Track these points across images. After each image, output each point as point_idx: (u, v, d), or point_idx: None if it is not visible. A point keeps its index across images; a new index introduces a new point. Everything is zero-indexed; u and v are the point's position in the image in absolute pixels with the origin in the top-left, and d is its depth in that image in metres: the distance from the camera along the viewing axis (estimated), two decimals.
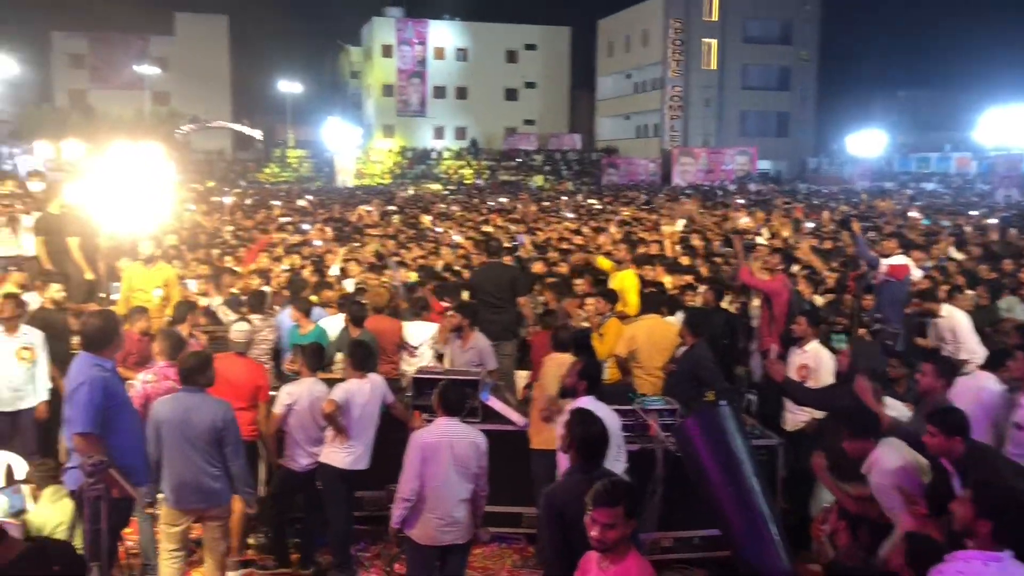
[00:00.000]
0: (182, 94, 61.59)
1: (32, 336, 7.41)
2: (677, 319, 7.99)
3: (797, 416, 7.15)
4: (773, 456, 6.53)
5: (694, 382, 7.01)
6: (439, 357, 8.26)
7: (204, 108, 58.18)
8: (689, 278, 10.00)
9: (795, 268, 10.51)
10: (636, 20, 61.32)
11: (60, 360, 7.30)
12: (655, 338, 7.63)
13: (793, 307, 8.43)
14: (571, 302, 8.95)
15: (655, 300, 8.43)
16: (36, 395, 7.38)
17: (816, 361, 7.26)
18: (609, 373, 8.03)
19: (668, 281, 9.96)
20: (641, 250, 11.54)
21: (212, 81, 63.00)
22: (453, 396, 5.42)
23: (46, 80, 63.70)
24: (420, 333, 8.32)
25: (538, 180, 54.35)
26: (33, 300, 8.44)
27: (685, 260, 11.63)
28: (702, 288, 9.26)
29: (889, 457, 4.72)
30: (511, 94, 67.70)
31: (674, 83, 58.48)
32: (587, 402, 5.32)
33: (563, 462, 4.94)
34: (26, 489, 6.00)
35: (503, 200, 30.36)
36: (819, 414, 6.77)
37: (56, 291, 8.35)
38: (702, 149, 57.18)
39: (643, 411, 6.50)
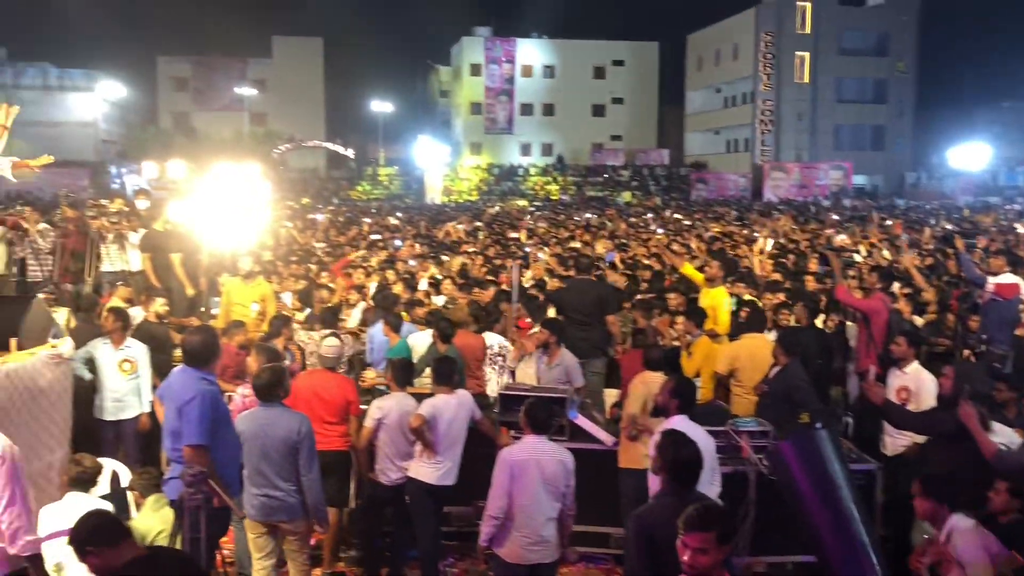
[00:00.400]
0: (279, 115, 63.57)
1: (135, 349, 7.70)
2: (771, 338, 7.82)
3: (897, 440, 6.89)
4: (871, 481, 6.31)
5: (788, 403, 6.82)
6: (511, 374, 8.27)
7: (300, 128, 59.89)
8: (782, 296, 9.77)
9: (894, 287, 10.15)
10: (726, 34, 60.61)
11: (163, 372, 7.57)
12: (757, 357, 7.46)
13: (892, 327, 8.15)
14: (662, 320, 8.85)
15: (757, 318, 8.28)
16: (138, 406, 7.66)
17: (917, 383, 6.99)
18: (701, 393, 7.92)
19: (759, 299, 9.76)
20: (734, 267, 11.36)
21: (307, 102, 64.85)
22: (541, 414, 5.40)
23: (152, 103, 66.69)
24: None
25: (625, 196, 54.08)
26: (138, 314, 8.79)
27: (777, 277, 11.38)
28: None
29: (970, 537, 4.51)
30: (598, 110, 67.65)
31: (765, 97, 57.50)
32: (679, 422, 5.24)
33: (654, 483, 4.86)
34: (129, 496, 6.23)
35: (589, 216, 30.27)
36: (920, 438, 6.51)
37: (159, 305, 8.67)
38: (794, 164, 55.97)
39: (735, 432, 6.37)
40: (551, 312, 8.99)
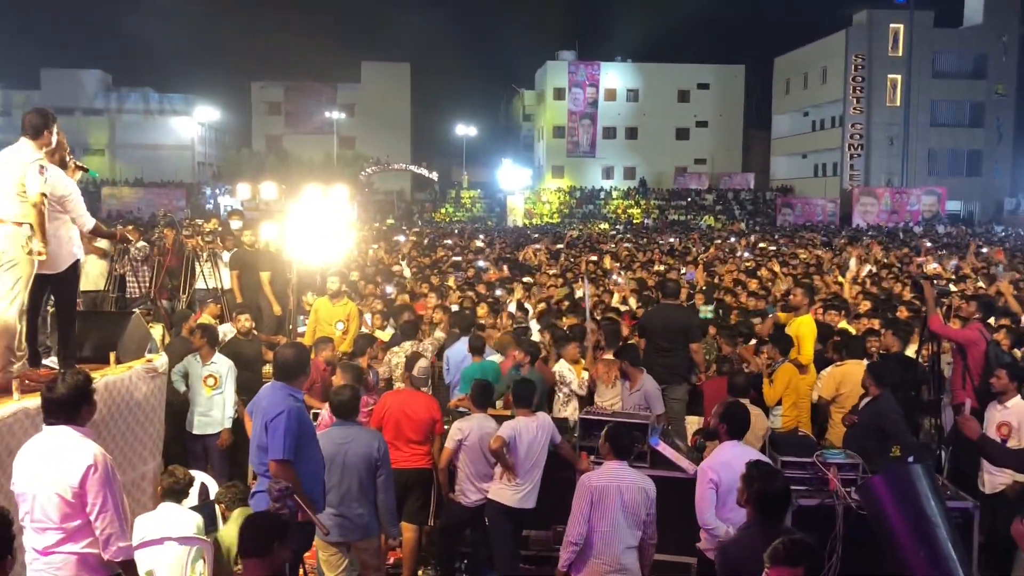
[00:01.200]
0: (366, 138, 65.08)
1: (220, 365, 7.92)
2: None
3: (996, 478, 6.58)
4: (969, 520, 6.03)
5: (878, 436, 6.60)
6: (587, 398, 8.21)
7: (386, 151, 61.13)
8: (872, 323, 9.48)
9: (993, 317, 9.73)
10: (815, 56, 59.50)
11: (250, 389, 7.78)
12: (858, 386, 7.27)
13: (990, 359, 7.80)
14: (746, 347, 8.68)
15: (855, 345, 8.07)
16: (221, 422, 7.87)
17: (1019, 419, 6.68)
18: (782, 421, 7.73)
19: (847, 326, 9.50)
20: (820, 294, 11.08)
21: (394, 125, 66.23)
22: (623, 439, 5.35)
23: (246, 126, 69.10)
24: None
25: (709, 220, 53.42)
26: (229, 331, 9.05)
27: (865, 306, 11.05)
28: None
29: None
30: (682, 133, 67.13)
31: (855, 120, 56.15)
32: (730, 447, 5.17)
33: (737, 514, 4.76)
34: (216, 509, 6.40)
35: (672, 240, 29.98)
36: (1022, 477, 6.21)
37: (244, 321, 8.90)
38: (885, 189, 54.42)
39: (823, 464, 6.17)
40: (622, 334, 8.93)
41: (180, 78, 64.43)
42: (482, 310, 10.88)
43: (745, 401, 6.71)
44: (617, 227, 47.43)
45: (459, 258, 20.52)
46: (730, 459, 5.19)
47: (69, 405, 4.10)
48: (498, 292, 13.57)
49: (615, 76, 66.64)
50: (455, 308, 11.24)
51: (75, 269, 6.07)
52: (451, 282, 14.07)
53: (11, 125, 41.96)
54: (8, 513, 3.36)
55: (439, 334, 9.37)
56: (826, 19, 61.34)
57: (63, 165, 5.94)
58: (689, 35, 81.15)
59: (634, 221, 53.73)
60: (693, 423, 8.11)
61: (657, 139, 65.38)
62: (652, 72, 66.05)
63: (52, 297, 6.22)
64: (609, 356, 8.09)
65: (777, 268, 15.73)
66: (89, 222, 6.10)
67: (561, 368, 8.31)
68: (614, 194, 60.49)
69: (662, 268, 17.41)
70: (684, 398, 8.44)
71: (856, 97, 55.84)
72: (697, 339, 8.71)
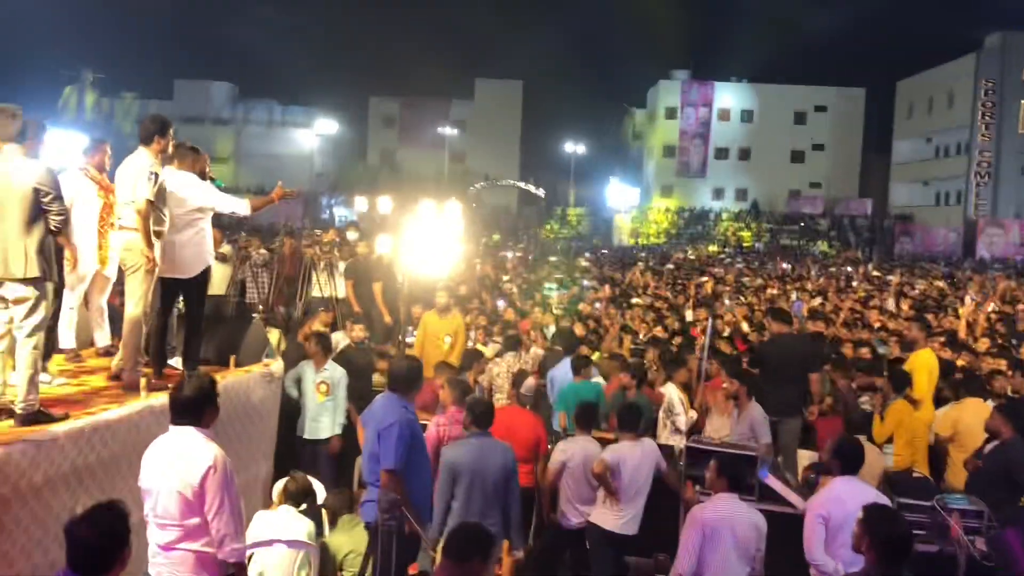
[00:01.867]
0: (476, 153, 65.98)
1: (332, 372, 8.11)
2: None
3: None
4: None
5: (1007, 483, 6.23)
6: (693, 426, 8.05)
7: (495, 167, 61.82)
8: (998, 363, 9.00)
9: None
10: (941, 80, 57.11)
11: (360, 397, 7.96)
12: (979, 424, 6.91)
13: None
14: (860, 380, 8.37)
15: (975, 383, 7.68)
16: (331, 428, 8.04)
17: None
18: (895, 461, 7.39)
19: (968, 363, 9.05)
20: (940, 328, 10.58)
21: (504, 141, 66.88)
22: (734, 472, 5.22)
23: (362, 139, 71.04)
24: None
25: (822, 246, 51.85)
26: (340, 339, 9.28)
27: (984, 343, 10.51)
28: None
29: None
30: (797, 156, 65.40)
31: (983, 147, 53.53)
32: (842, 483, 4.97)
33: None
34: (324, 514, 6.55)
35: (785, 266, 29.22)
36: None
37: (358, 330, 9.11)
38: (1014, 221, 51.65)
39: (943, 509, 5.88)
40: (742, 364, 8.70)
41: (302, 91, 66.82)
42: (579, 329, 10.84)
43: (861, 437, 6.46)
44: (726, 250, 46.53)
45: (562, 276, 20.52)
46: (842, 495, 5.01)
47: (194, 407, 4.26)
48: (597, 305, 13.52)
49: (729, 96, 65.54)
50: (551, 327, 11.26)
51: (205, 275, 6.35)
52: (554, 300, 14.07)
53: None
54: (124, 506, 3.48)
55: (536, 350, 9.38)
56: (954, 42, 58.95)
57: (203, 176, 6.26)
58: (807, 56, 79.21)
59: (744, 244, 52.64)
60: (805, 458, 7.85)
61: (771, 161, 63.90)
62: (768, 93, 64.66)
63: (182, 300, 6.53)
64: (727, 384, 7.89)
65: (891, 301, 15.11)
66: (243, 207, 6.38)
67: (670, 394, 8.18)
68: (724, 216, 59.44)
69: (774, 293, 16.98)
70: (797, 431, 8.16)
71: (985, 124, 53.26)
72: (816, 369, 8.42)
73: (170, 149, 5.99)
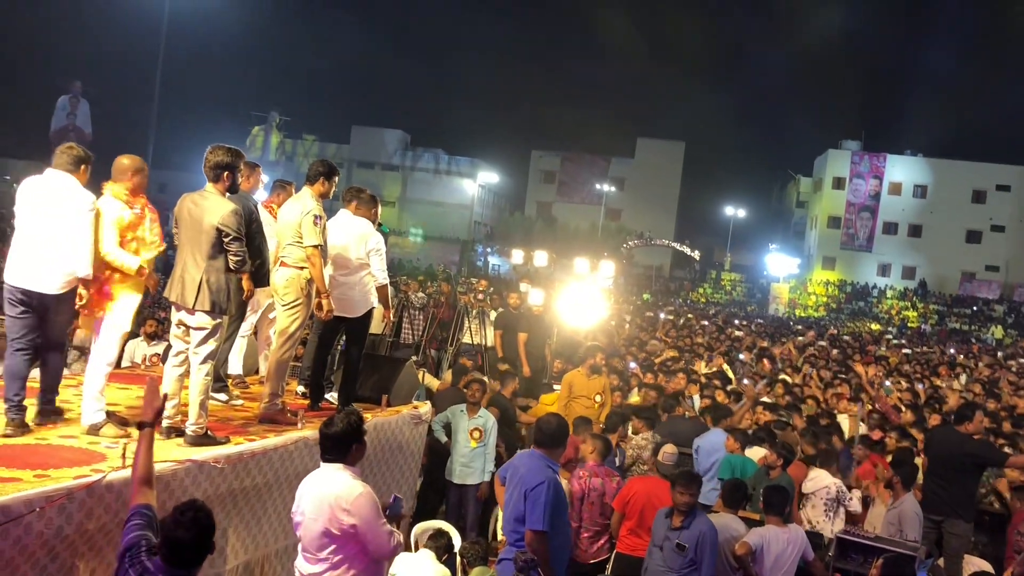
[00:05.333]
0: (632, 211, 66.02)
1: (486, 419, 8.17)
2: None
3: None
4: None
5: None
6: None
7: (650, 225, 61.52)
8: None
9: None
10: None
11: (505, 445, 8.01)
12: None
13: None
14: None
15: None
16: (481, 474, 8.08)
17: None
18: None
19: None
20: None
21: (661, 201, 66.65)
22: (898, 573, 4.87)
23: (521, 191, 72.63)
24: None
25: (997, 332, 48.36)
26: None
27: None
28: None
29: None
30: (973, 236, 61.66)
31: None
32: None
33: None
34: (458, 562, 6.56)
35: (952, 351, 27.43)
36: None
37: (514, 384, 9.17)
38: None
39: None
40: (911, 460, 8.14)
41: (468, 142, 69.35)
42: (720, 396, 10.51)
43: None
44: (890, 329, 44.19)
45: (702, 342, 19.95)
46: None
47: (341, 444, 4.37)
48: (746, 382, 13.03)
49: (902, 170, 62.77)
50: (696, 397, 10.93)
51: (368, 316, 6.59)
52: (702, 368, 13.68)
53: None
54: (211, 516, 3.60)
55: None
56: None
57: (375, 222, 6.55)
58: (988, 132, 75.14)
59: (909, 324, 49.87)
60: (972, 565, 7.21)
61: (944, 240, 60.50)
62: (944, 168, 61.51)
63: (344, 337, 6.79)
64: (881, 468, 7.44)
65: None
66: (384, 279, 6.63)
67: (821, 479, 7.75)
68: (889, 293, 56.66)
69: (941, 383, 15.91)
70: (966, 535, 7.50)
71: None
72: (1001, 463, 7.73)
73: (330, 194, 6.24)
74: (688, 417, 9.52)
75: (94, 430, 5.07)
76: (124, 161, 5.22)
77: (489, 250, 51.11)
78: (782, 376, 14.33)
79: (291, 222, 5.98)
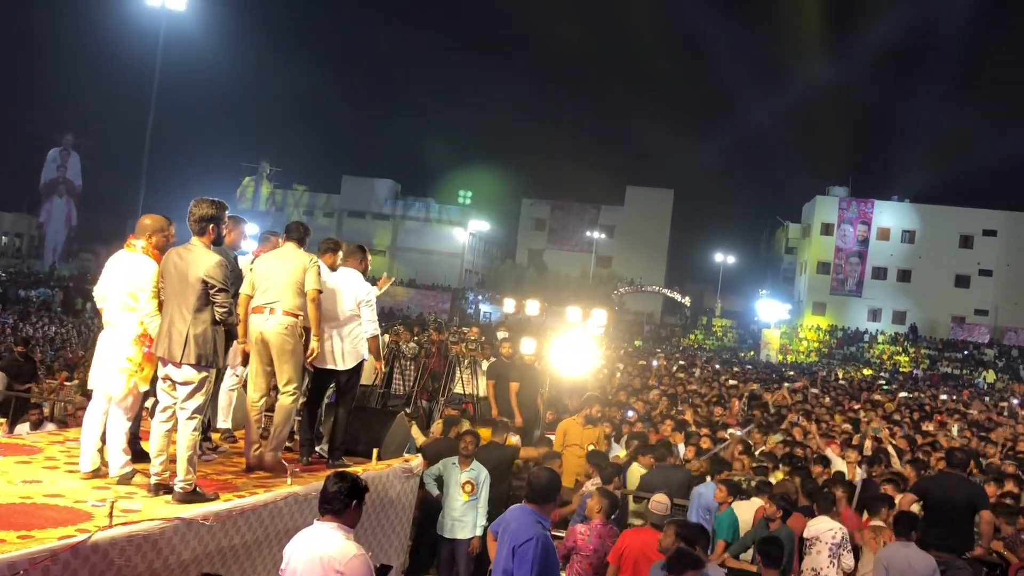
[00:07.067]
0: (623, 259, 66.34)
1: (478, 472, 8.06)
2: None
3: None
4: None
5: None
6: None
7: (640, 272, 61.83)
8: None
9: None
10: None
11: (498, 501, 7.91)
12: None
13: None
14: None
15: None
16: (472, 528, 7.94)
17: None
18: None
19: None
20: None
21: (651, 248, 67.05)
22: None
23: (511, 239, 72.96)
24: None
25: (988, 376, 48.41)
26: None
27: None
28: None
29: None
30: (962, 281, 62.03)
31: None
32: None
33: None
34: None
35: (944, 397, 27.40)
36: None
37: (513, 438, 9.07)
38: None
39: None
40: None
41: (457, 191, 69.65)
42: (706, 444, 10.47)
43: None
44: (883, 374, 44.18)
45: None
46: None
47: (340, 503, 4.32)
48: (731, 431, 12.95)
49: (890, 215, 63.36)
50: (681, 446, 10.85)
51: (359, 368, 6.55)
52: (688, 417, 13.57)
53: (311, 224, 46.72)
54: None
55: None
56: None
57: (365, 273, 6.57)
58: (974, 178, 76.16)
59: (900, 369, 49.88)
60: None
61: (933, 284, 60.85)
62: (932, 214, 62.12)
63: (334, 389, 6.73)
64: (879, 522, 7.35)
65: None
66: (374, 330, 6.62)
67: (824, 523, 7.62)
68: (880, 338, 56.76)
69: (932, 428, 15.86)
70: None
71: None
72: (985, 507, 7.69)
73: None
74: (676, 465, 9.44)
75: (125, 480, 5.27)
76: (146, 221, 5.46)
77: (480, 298, 51.16)
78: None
79: (290, 271, 6.01)
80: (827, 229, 63.51)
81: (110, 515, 4.39)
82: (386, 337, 10.67)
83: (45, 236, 54.31)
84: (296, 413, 6.33)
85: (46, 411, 10.89)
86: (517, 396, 11.19)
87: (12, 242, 62.24)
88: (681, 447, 10.57)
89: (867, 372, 44.72)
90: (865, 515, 7.93)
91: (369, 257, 6.96)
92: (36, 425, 9.41)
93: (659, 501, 6.91)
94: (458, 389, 11.75)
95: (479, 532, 7.82)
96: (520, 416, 11.14)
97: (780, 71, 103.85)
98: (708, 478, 8.93)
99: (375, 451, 6.87)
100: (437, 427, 9.81)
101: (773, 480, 8.93)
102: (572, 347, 12.03)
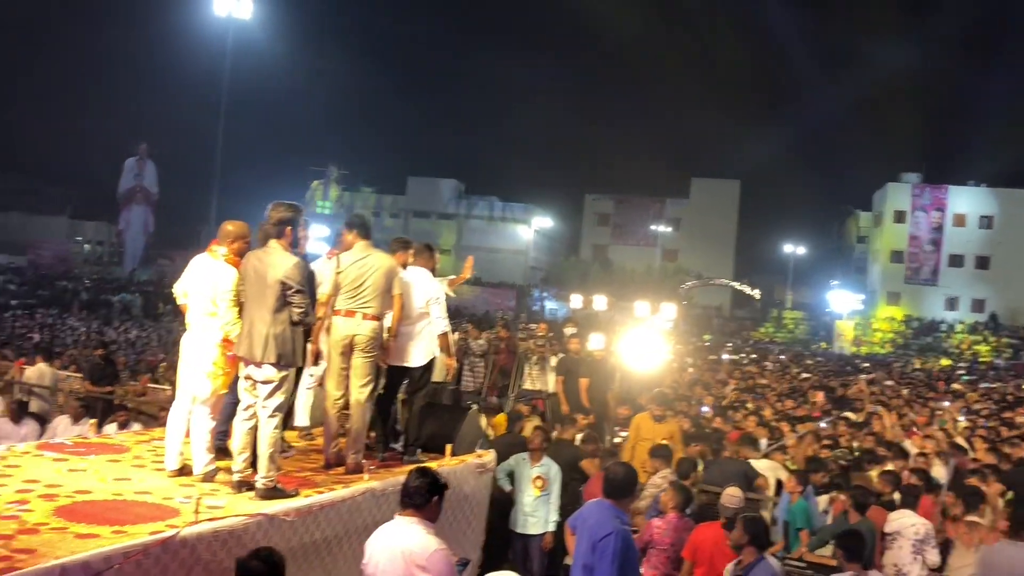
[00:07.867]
0: (689, 252, 65.54)
1: (549, 468, 8.06)
2: None
3: None
4: None
5: None
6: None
7: (708, 266, 60.96)
8: None
9: None
10: None
11: (569, 494, 7.90)
12: None
13: None
14: None
15: None
16: (544, 523, 7.95)
17: None
18: None
19: None
20: None
21: (718, 241, 66.09)
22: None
23: (576, 235, 72.74)
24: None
25: None
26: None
27: None
28: None
29: None
30: None
31: None
32: None
33: None
34: None
35: None
36: None
37: (580, 432, 9.06)
38: None
39: None
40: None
41: (522, 188, 69.73)
42: (790, 440, 10.29)
43: None
44: (961, 364, 42.81)
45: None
46: None
47: (422, 497, 4.38)
48: (823, 424, 12.73)
49: (965, 201, 61.26)
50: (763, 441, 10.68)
51: (431, 365, 6.62)
52: (767, 412, 13.37)
53: (379, 225, 47.41)
54: (283, 559, 3.82)
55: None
56: None
57: (434, 271, 6.65)
58: None
59: (980, 359, 48.26)
60: None
61: (1014, 271, 58.57)
62: (1011, 198, 59.81)
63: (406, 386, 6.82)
64: (975, 518, 7.12)
65: None
66: (444, 327, 6.68)
67: (907, 517, 7.43)
68: (957, 327, 54.99)
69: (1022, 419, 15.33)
70: None
71: None
72: None
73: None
74: (730, 458, 9.29)
75: (209, 477, 5.42)
76: (228, 227, 5.59)
77: (545, 294, 51.14)
78: (847, 414, 13.98)
79: (380, 275, 6.12)
80: (900, 217, 61.73)
81: (196, 511, 4.52)
82: (455, 335, 10.73)
83: (124, 243, 56.01)
84: (370, 410, 6.41)
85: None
86: (587, 392, 11.15)
87: (95, 250, 64.52)
88: (764, 442, 10.43)
89: (945, 362, 43.40)
90: (955, 509, 7.68)
91: (437, 256, 7.03)
92: (123, 425, 9.73)
93: (732, 495, 6.81)
94: (527, 385, 11.78)
95: (551, 527, 7.82)
96: (591, 411, 11.10)
97: (847, 55, 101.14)
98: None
99: (448, 447, 6.94)
100: (501, 419, 9.82)
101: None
102: (641, 342, 11.93)
